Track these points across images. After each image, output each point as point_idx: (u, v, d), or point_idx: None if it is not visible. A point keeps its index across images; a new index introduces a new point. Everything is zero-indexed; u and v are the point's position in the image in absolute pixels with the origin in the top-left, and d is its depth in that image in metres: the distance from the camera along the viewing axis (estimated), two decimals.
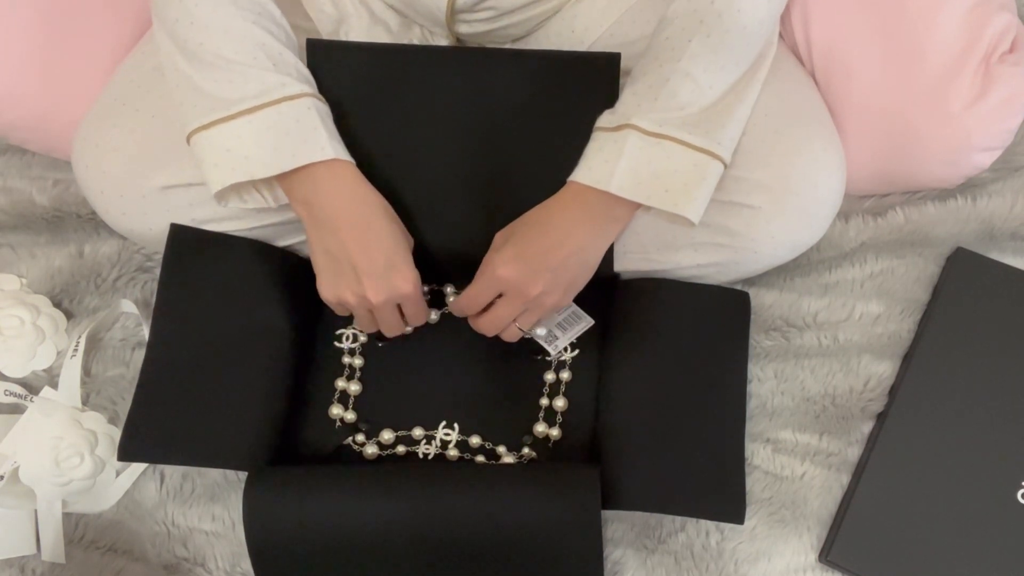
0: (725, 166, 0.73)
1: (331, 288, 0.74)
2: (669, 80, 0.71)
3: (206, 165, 0.71)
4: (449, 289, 0.86)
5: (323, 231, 0.73)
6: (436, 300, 0.86)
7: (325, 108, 0.74)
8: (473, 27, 0.84)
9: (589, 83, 0.77)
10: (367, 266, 0.72)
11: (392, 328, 0.77)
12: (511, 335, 0.78)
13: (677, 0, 0.73)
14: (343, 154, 0.73)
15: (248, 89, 0.70)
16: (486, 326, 0.77)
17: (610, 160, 0.71)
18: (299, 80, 0.73)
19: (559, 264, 0.73)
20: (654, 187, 0.71)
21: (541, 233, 0.73)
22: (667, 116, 0.71)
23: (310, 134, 0.71)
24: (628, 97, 0.73)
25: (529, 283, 0.73)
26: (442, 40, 0.86)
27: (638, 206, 0.75)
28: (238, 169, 0.70)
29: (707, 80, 0.71)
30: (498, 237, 0.76)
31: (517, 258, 0.73)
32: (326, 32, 0.85)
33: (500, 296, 0.75)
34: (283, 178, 0.73)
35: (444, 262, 0.81)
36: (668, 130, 0.71)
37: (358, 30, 0.85)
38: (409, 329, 0.82)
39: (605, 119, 0.74)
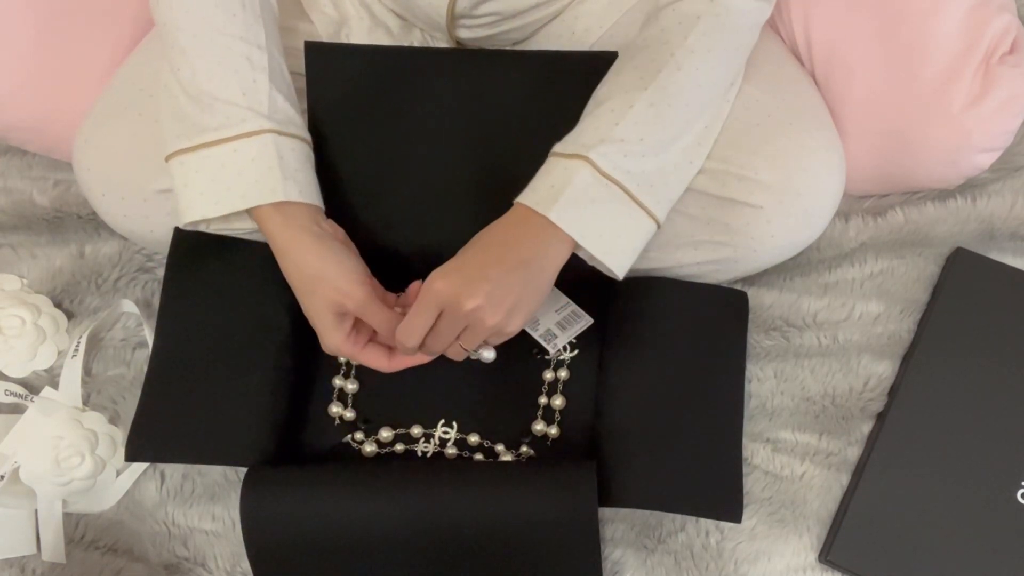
0: (658, 227, 0.72)
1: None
2: (633, 106, 0.70)
3: (175, 193, 0.71)
4: None
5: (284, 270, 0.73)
6: None
7: (290, 143, 0.71)
8: (474, 32, 0.84)
9: (589, 83, 0.77)
10: (309, 320, 0.73)
11: (375, 366, 0.74)
12: (455, 353, 0.72)
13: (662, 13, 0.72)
14: (297, 195, 0.70)
15: (210, 121, 0.69)
16: (432, 344, 0.71)
17: (556, 186, 0.69)
18: (263, 115, 0.70)
19: (499, 277, 0.68)
20: (591, 227, 0.69)
21: (481, 249, 0.70)
22: (624, 151, 0.69)
23: (264, 174, 0.69)
24: (588, 121, 0.71)
25: (465, 295, 0.67)
26: (442, 44, 0.86)
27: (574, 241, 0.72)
28: (194, 206, 0.69)
29: (676, 108, 0.70)
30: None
31: (455, 270, 0.68)
32: (327, 34, 0.85)
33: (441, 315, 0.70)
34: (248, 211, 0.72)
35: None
36: (620, 176, 0.69)
37: (359, 33, 0.85)
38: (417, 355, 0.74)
39: (562, 144, 0.71)
